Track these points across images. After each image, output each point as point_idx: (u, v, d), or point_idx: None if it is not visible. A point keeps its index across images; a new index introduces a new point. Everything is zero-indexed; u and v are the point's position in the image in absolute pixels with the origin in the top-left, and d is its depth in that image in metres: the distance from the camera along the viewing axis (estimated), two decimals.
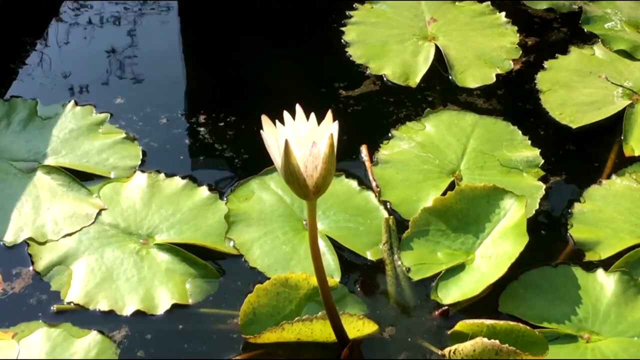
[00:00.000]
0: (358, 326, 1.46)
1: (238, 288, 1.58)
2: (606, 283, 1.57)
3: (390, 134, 1.90)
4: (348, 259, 1.65)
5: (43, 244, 1.63)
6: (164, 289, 1.56)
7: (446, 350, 1.46)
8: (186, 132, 1.94)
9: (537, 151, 1.85)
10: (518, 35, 2.22)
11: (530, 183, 1.78)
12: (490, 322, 1.43)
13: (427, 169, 1.81)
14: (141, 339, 1.50)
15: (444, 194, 1.71)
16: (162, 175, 1.77)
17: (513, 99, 2.06)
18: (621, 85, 2.04)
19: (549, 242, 1.70)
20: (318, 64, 2.20)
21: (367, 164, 1.83)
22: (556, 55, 2.15)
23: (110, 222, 1.68)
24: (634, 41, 2.16)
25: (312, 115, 1.27)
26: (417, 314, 1.56)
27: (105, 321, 1.51)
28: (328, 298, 1.39)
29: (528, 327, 1.44)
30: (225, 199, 1.74)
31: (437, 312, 1.55)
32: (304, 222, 1.68)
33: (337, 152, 1.25)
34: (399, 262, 1.62)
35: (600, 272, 1.58)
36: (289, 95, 1.88)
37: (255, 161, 1.82)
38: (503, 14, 2.27)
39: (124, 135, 1.86)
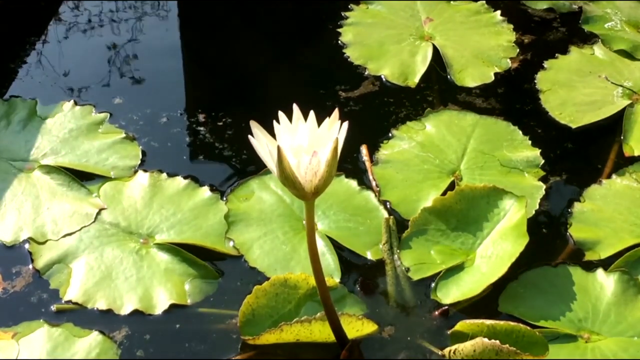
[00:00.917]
0: (357, 326, 1.46)
1: (237, 288, 1.58)
2: (606, 283, 1.56)
3: (390, 134, 1.90)
4: (348, 259, 1.65)
5: (43, 243, 1.63)
6: (163, 288, 1.56)
7: (446, 350, 1.46)
8: (186, 131, 1.94)
9: (537, 151, 1.85)
10: (514, 33, 2.22)
11: (531, 183, 1.78)
12: (490, 322, 1.43)
13: (427, 169, 1.81)
14: (140, 339, 1.50)
15: (444, 194, 1.71)
16: (164, 174, 1.77)
17: (512, 98, 2.06)
18: (621, 85, 2.03)
19: (549, 241, 1.70)
20: (317, 64, 2.20)
21: (367, 163, 1.83)
22: (556, 55, 2.15)
23: (111, 221, 1.67)
24: (634, 41, 2.16)
25: (312, 115, 1.26)
26: (417, 313, 1.56)
27: (105, 321, 1.51)
28: (327, 298, 1.39)
29: (528, 328, 1.43)
30: (224, 198, 1.73)
31: (437, 312, 1.55)
32: (304, 222, 1.68)
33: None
34: (399, 262, 1.62)
35: (600, 271, 1.58)
36: (289, 95, 1.87)
37: (255, 161, 1.81)
38: (498, 12, 2.27)
39: (123, 135, 1.86)
